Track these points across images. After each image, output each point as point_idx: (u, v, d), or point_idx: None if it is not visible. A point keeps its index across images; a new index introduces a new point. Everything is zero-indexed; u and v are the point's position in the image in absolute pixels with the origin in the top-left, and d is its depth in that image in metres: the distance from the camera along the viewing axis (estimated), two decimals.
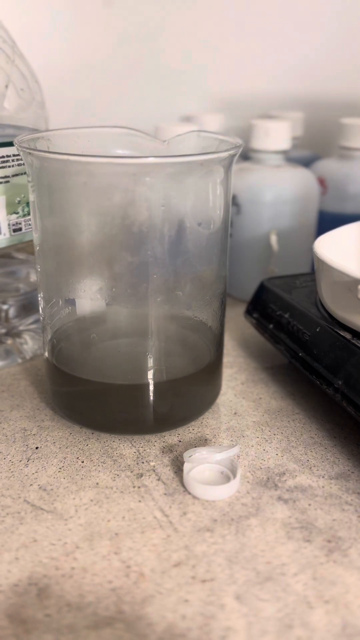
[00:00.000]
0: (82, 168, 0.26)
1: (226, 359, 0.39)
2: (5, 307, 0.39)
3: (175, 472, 0.28)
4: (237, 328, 0.43)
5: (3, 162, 0.35)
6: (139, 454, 0.30)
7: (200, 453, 0.28)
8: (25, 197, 0.36)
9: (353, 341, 0.30)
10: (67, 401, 0.32)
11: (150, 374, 0.30)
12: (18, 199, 0.36)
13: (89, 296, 0.30)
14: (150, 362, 0.30)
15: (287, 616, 0.21)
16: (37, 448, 0.30)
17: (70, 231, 0.29)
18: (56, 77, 0.61)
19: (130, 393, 0.30)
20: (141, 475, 0.28)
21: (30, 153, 0.27)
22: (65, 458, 0.30)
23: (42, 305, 0.32)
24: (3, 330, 0.39)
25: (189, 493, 0.27)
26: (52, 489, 0.27)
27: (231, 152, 0.28)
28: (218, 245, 0.30)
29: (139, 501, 0.27)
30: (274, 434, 0.32)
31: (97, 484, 0.28)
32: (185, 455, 0.28)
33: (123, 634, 0.21)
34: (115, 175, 0.27)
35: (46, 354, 0.32)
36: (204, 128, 0.52)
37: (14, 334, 0.39)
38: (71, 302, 0.31)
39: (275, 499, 0.27)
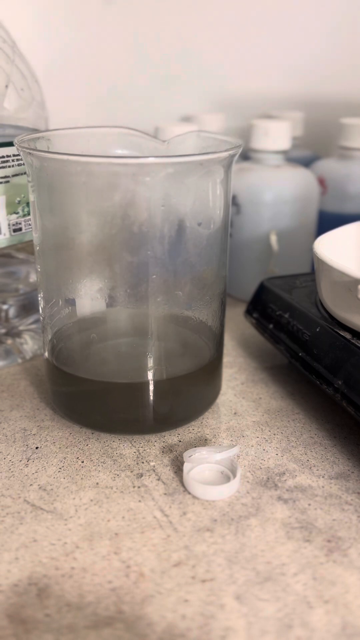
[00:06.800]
0: (82, 168, 0.26)
1: (226, 359, 0.39)
2: (5, 307, 0.39)
3: (175, 472, 0.28)
4: (237, 328, 0.43)
5: (3, 162, 0.35)
6: (139, 454, 0.30)
7: (200, 453, 0.28)
8: (25, 197, 0.36)
9: (353, 341, 0.30)
10: (67, 401, 0.32)
11: (150, 374, 0.30)
12: (18, 199, 0.36)
13: (89, 296, 0.30)
14: (150, 362, 0.30)
15: (286, 616, 0.21)
16: (37, 448, 0.30)
17: (70, 231, 0.29)
18: (56, 77, 0.61)
19: (130, 393, 0.30)
20: (141, 475, 0.28)
21: (30, 153, 0.27)
22: (65, 458, 0.30)
23: (42, 305, 0.32)
24: (3, 330, 0.39)
25: (189, 493, 0.27)
26: (52, 489, 0.27)
27: (231, 152, 0.28)
28: (218, 245, 0.31)
29: (139, 501, 0.27)
30: (274, 434, 0.32)
31: (97, 484, 0.28)
32: (185, 455, 0.28)
33: (123, 634, 0.21)
34: (115, 175, 0.27)
35: (46, 354, 0.32)
36: (204, 128, 0.52)
37: (14, 334, 0.39)
38: (71, 302, 0.31)
39: (275, 499, 0.27)
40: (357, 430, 0.32)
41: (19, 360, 0.39)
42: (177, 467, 0.29)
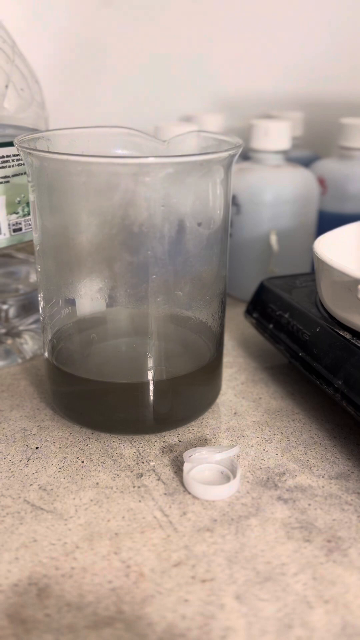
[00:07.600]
0: (82, 168, 0.26)
1: (226, 359, 0.39)
2: (5, 307, 0.39)
3: (175, 472, 0.28)
4: (237, 328, 0.43)
5: (3, 162, 0.35)
6: (139, 454, 0.30)
7: (200, 453, 0.28)
8: (25, 197, 0.36)
9: (353, 341, 0.30)
10: (67, 401, 0.32)
11: (150, 374, 0.30)
12: (18, 199, 0.36)
13: (89, 296, 0.30)
14: (150, 362, 0.30)
15: (286, 616, 0.21)
16: (37, 448, 0.30)
17: (70, 231, 0.29)
18: (56, 77, 0.61)
19: (130, 393, 0.30)
20: (141, 475, 0.28)
21: (30, 153, 0.27)
22: (65, 458, 0.30)
23: (42, 305, 0.32)
24: (3, 330, 0.39)
25: (189, 493, 0.27)
26: (52, 489, 0.27)
27: (231, 152, 0.28)
28: (218, 245, 0.31)
29: (139, 501, 0.27)
30: (274, 434, 0.32)
31: (97, 483, 0.28)
32: (185, 455, 0.28)
33: (123, 634, 0.21)
34: (115, 175, 0.27)
35: (46, 354, 0.32)
36: (204, 128, 0.52)
37: (14, 334, 0.39)
38: (71, 302, 0.31)
39: (275, 498, 0.27)
40: (357, 430, 0.32)
41: (19, 360, 0.39)
42: (177, 467, 0.29)
